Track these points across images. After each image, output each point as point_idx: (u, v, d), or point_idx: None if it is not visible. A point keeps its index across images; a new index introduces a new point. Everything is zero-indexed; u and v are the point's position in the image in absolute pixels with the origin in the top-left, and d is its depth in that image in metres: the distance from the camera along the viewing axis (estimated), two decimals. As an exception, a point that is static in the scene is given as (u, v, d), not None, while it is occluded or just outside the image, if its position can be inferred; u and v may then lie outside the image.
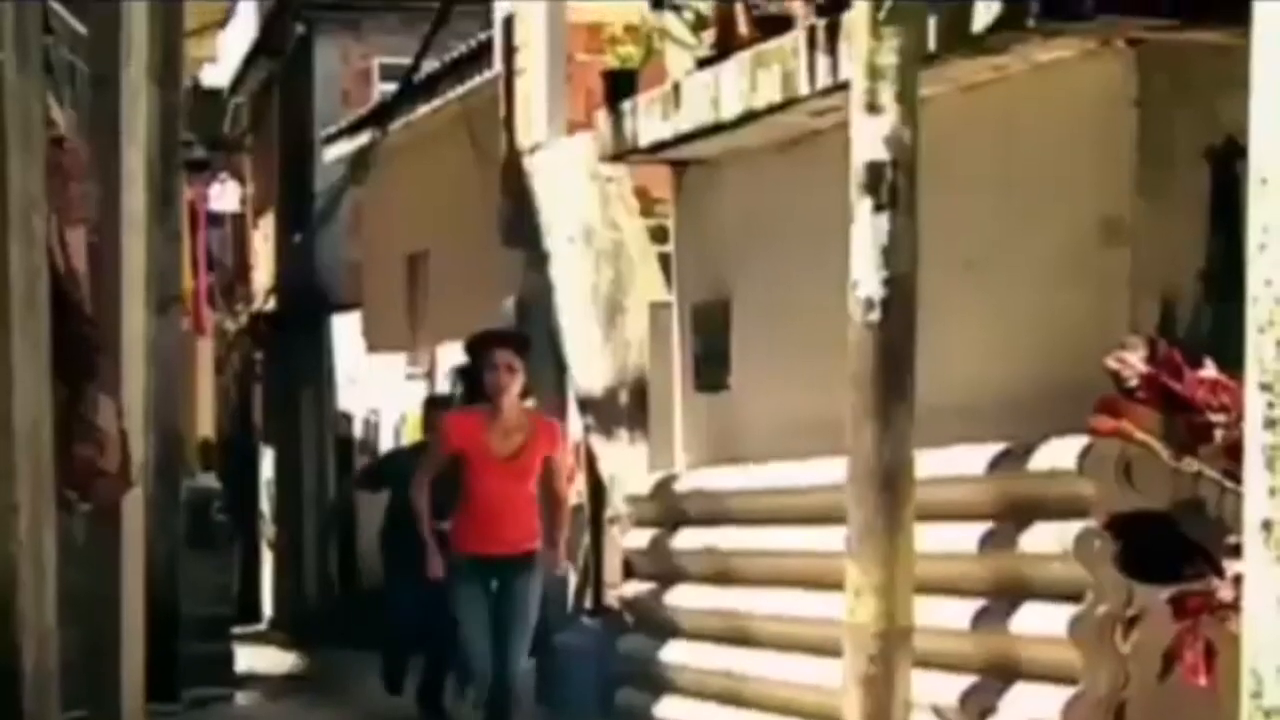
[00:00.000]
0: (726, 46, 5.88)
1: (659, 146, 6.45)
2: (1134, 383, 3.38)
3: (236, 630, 12.14)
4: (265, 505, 18.60)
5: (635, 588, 6.63)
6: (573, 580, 8.83)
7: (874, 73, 4.15)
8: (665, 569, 6.34)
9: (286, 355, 17.54)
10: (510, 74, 9.23)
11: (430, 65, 11.87)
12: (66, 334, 4.01)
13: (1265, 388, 1.97)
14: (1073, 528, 4.27)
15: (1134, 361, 3.35)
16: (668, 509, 6.39)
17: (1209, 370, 3.40)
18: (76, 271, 4.30)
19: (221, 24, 10.86)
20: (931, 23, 4.50)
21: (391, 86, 13.81)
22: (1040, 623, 4.39)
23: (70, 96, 6.25)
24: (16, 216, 3.39)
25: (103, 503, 4.92)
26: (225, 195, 16.48)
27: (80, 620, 5.81)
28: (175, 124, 8.96)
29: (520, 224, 8.95)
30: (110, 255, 5.98)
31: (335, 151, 14.98)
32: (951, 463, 4.66)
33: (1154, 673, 3.65)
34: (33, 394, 3.80)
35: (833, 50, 5.09)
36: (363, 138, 13.82)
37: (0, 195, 3.34)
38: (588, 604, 8.64)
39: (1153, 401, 3.38)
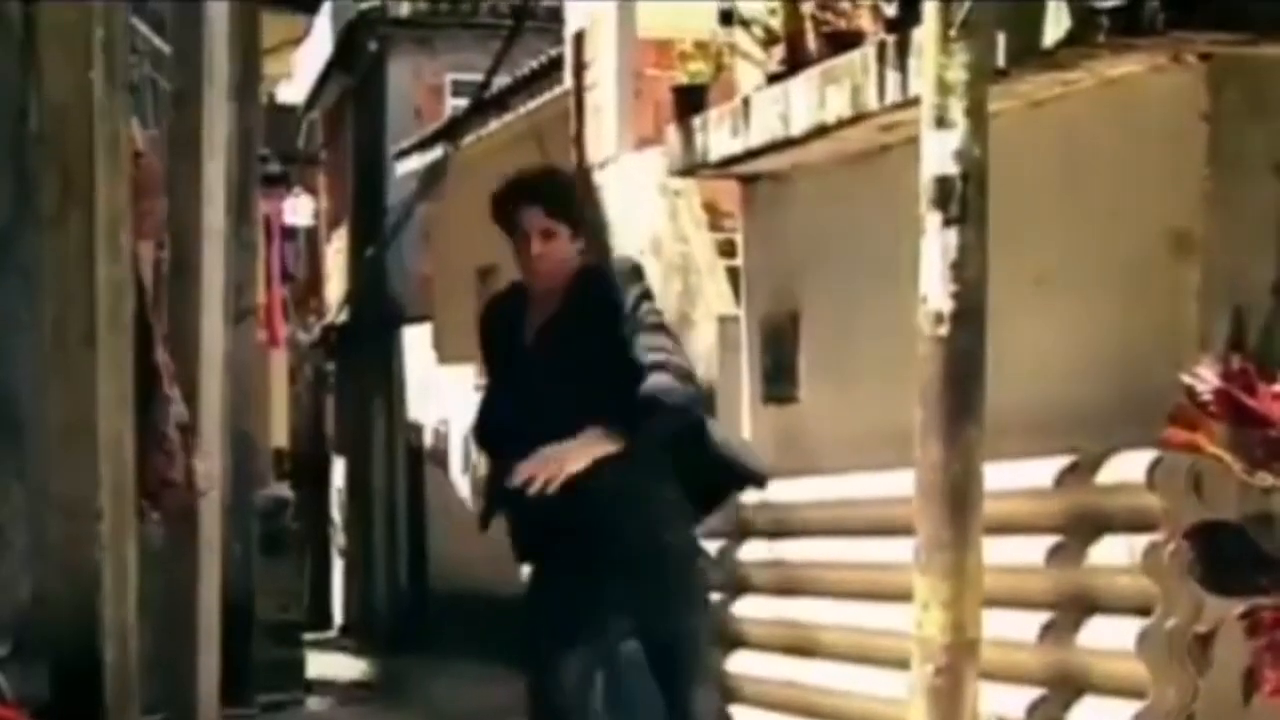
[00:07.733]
0: (796, 62, 5.91)
1: (728, 161, 6.49)
2: (1207, 397, 3.38)
3: (308, 636, 12.27)
4: (336, 513, 18.78)
5: (703, 599, 6.64)
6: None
7: (944, 88, 4.17)
8: (732, 580, 6.36)
9: (358, 366, 17.71)
10: (580, 90, 9.30)
11: (501, 81, 11.98)
12: (138, 345, 4.09)
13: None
14: (1141, 540, 4.27)
15: (1208, 376, 3.35)
16: (734, 520, 6.41)
17: (1280, 385, 3.38)
18: (144, 284, 4.40)
19: (298, 41, 11.02)
20: (1001, 38, 4.51)
21: (463, 102, 13.95)
22: (1108, 636, 4.38)
23: (152, 113, 6.38)
24: (103, 233, 3.48)
25: (170, 512, 5.00)
26: (299, 209, 16.67)
27: (157, 625, 5.90)
28: (253, 140, 9.10)
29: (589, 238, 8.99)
30: (190, 268, 6.10)
31: (407, 166, 15.12)
32: (1019, 476, 4.67)
33: (1225, 688, 3.64)
34: (116, 405, 3.89)
35: (902, 66, 5.11)
36: (434, 153, 13.95)
37: (88, 212, 3.43)
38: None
39: (1224, 416, 3.38)
